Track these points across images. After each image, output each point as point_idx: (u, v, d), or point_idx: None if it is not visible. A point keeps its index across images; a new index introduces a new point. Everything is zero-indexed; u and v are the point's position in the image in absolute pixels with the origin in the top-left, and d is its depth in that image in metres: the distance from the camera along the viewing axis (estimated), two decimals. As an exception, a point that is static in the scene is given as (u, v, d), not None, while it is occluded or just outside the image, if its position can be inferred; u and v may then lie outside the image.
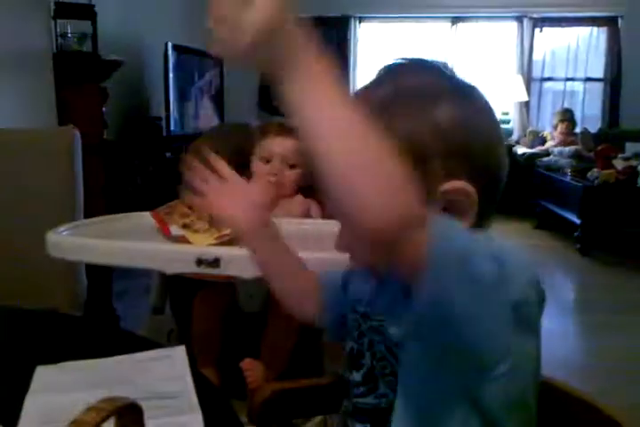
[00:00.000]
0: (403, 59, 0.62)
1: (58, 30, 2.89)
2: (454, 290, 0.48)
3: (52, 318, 1.15)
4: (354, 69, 6.08)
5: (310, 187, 1.52)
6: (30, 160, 1.65)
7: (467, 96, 0.60)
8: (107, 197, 2.77)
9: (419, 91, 0.58)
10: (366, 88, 0.61)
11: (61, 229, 1.16)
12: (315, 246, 1.17)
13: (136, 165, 3.78)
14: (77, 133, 1.66)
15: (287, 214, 1.44)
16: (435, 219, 0.49)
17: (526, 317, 0.53)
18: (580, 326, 2.93)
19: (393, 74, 0.61)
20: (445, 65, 0.62)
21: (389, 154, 0.46)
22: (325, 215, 1.49)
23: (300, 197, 1.47)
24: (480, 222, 0.59)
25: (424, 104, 0.57)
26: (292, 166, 1.47)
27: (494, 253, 0.51)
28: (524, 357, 0.54)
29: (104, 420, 0.40)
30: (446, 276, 0.47)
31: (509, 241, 0.57)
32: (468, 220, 0.57)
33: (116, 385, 0.76)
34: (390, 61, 0.62)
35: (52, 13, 2.80)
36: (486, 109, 0.61)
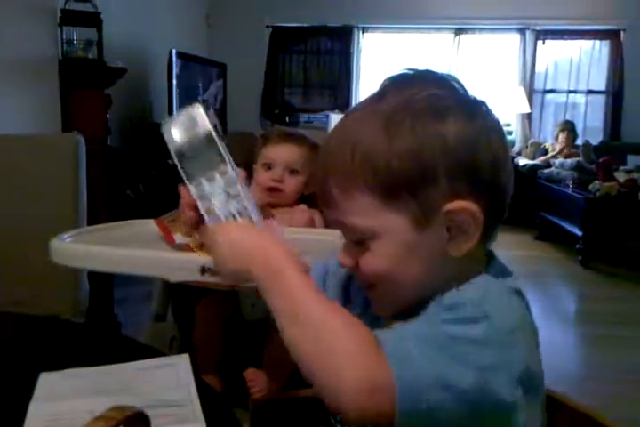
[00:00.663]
0: (409, 70, 0.60)
1: (64, 37, 2.90)
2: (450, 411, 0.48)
3: (55, 324, 1.15)
4: (357, 79, 6.11)
5: (313, 195, 1.52)
6: (35, 166, 1.66)
7: (475, 112, 0.58)
8: (109, 203, 2.78)
9: (426, 104, 0.56)
10: (371, 100, 0.60)
11: (65, 235, 1.15)
12: (319, 257, 1.17)
13: (139, 172, 3.79)
14: (82, 139, 1.66)
15: (290, 223, 1.44)
16: (386, 341, 0.50)
17: (532, 378, 0.52)
18: (580, 338, 2.92)
19: (399, 86, 0.59)
20: (454, 77, 0.60)
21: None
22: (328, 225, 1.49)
23: (302, 206, 1.47)
24: (484, 239, 0.58)
25: (431, 119, 0.55)
26: (294, 173, 1.47)
27: (479, 338, 0.49)
28: (532, 417, 0.54)
29: (112, 429, 0.40)
30: (426, 402, 0.47)
31: (490, 288, 0.55)
32: (473, 240, 0.56)
33: (119, 393, 0.76)
34: (396, 73, 0.61)
35: (58, 20, 2.81)
36: (495, 126, 0.59)
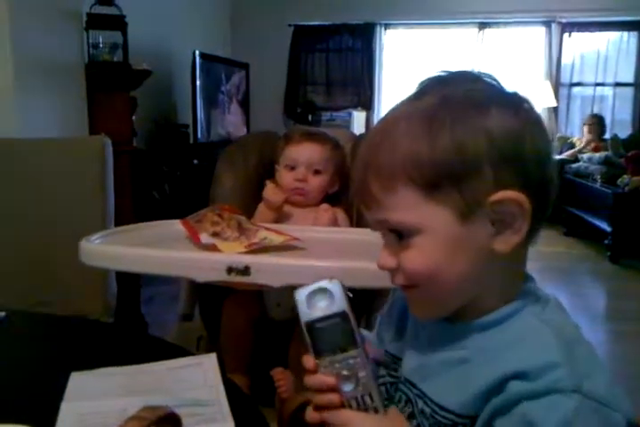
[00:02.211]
0: (446, 71, 0.61)
1: (90, 41, 2.95)
2: None
3: (84, 324, 1.18)
4: (379, 77, 6.08)
5: (337, 194, 1.52)
6: (63, 168, 1.69)
7: (518, 107, 0.58)
8: (136, 204, 2.81)
9: (467, 100, 0.56)
10: (409, 99, 0.60)
11: (94, 237, 1.18)
12: (343, 255, 1.17)
13: (164, 173, 3.83)
14: (109, 142, 1.69)
15: (314, 223, 1.44)
16: None
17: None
18: (610, 334, 2.88)
19: (438, 84, 0.59)
20: (491, 75, 0.61)
21: None
22: (353, 223, 1.49)
23: (325, 205, 1.47)
24: (528, 238, 0.57)
25: (474, 112, 0.55)
26: (318, 172, 1.47)
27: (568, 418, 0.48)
28: None
29: (144, 429, 0.41)
30: None
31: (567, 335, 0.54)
32: (520, 234, 0.55)
33: (149, 392, 0.77)
34: (433, 73, 0.61)
35: (84, 24, 2.86)
36: (538, 122, 0.59)
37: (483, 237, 0.55)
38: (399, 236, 0.57)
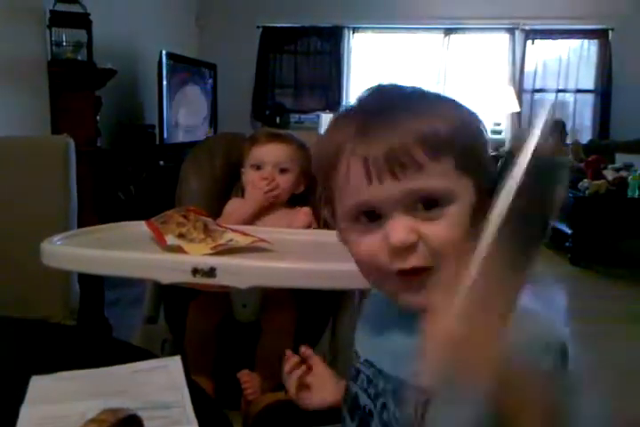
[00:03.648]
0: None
1: (53, 39, 2.89)
2: None
3: (45, 327, 1.15)
4: (347, 79, 6.11)
5: (302, 195, 1.52)
6: (24, 168, 1.65)
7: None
8: (100, 205, 2.77)
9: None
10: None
11: (56, 238, 1.15)
12: (312, 257, 1.17)
13: (130, 174, 3.78)
14: (71, 142, 1.65)
15: (289, 224, 1.45)
16: None
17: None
18: (570, 336, 2.94)
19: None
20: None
21: None
22: (320, 225, 1.49)
23: (306, 209, 1.48)
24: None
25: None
26: (284, 171, 1.48)
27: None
28: None
29: (105, 432, 0.41)
30: None
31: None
32: None
33: (112, 395, 0.76)
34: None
35: (47, 22, 2.80)
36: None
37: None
38: (428, 206, 0.57)
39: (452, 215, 0.57)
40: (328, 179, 0.61)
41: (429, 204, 0.57)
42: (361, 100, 0.63)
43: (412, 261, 0.56)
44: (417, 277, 0.57)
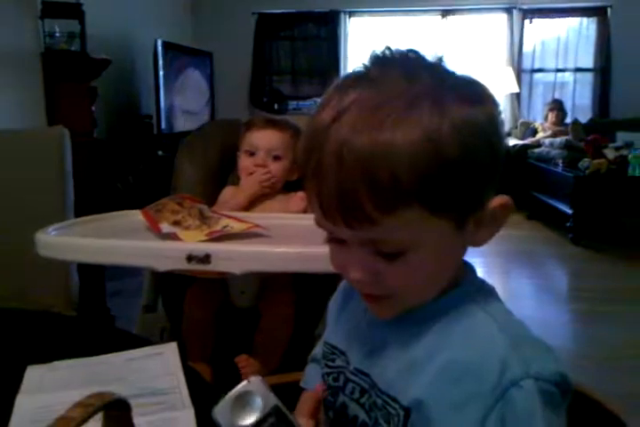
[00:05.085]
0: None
1: (45, 30, 2.87)
2: None
3: (45, 317, 1.15)
4: (345, 65, 6.07)
5: (297, 182, 1.52)
6: (20, 160, 1.65)
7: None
8: (98, 195, 2.77)
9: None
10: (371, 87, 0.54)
11: (50, 228, 1.15)
12: (307, 242, 1.17)
13: (128, 164, 3.77)
14: (67, 133, 1.65)
15: (285, 209, 1.45)
16: None
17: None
18: (572, 315, 2.95)
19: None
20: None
21: None
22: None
23: (302, 194, 1.47)
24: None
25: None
26: (277, 158, 1.47)
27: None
28: None
29: (91, 415, 0.41)
30: None
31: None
32: (501, 226, 0.55)
33: (108, 383, 0.76)
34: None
35: (39, 13, 2.78)
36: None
37: (466, 238, 0.54)
38: (387, 254, 0.51)
39: (412, 261, 0.51)
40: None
41: (388, 253, 0.51)
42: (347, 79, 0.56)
43: (371, 290, 0.54)
44: (374, 300, 0.56)
